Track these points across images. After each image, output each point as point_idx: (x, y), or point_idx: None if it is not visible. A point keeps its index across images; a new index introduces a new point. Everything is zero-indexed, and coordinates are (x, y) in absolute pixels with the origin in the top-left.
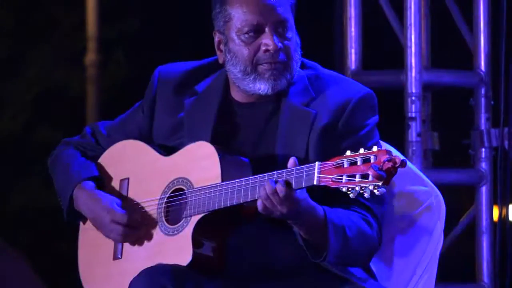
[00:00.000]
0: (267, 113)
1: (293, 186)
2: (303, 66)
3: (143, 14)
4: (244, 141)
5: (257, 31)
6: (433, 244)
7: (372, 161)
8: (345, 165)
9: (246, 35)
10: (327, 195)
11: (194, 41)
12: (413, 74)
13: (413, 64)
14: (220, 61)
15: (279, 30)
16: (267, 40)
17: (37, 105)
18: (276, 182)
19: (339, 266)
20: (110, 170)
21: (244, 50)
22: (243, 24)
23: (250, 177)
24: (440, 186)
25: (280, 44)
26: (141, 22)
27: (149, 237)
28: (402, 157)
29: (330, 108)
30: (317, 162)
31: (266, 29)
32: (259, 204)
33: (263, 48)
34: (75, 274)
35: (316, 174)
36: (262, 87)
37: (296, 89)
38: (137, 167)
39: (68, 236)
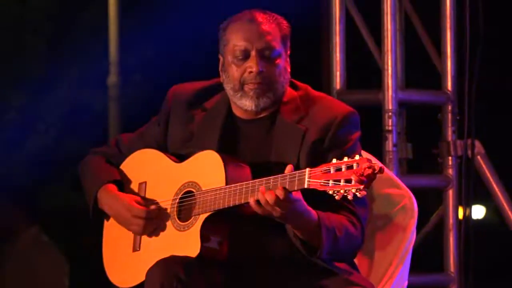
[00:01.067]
0: (264, 128)
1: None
2: (295, 87)
3: (158, 43)
4: (245, 152)
5: (245, 55)
6: (407, 239)
7: (354, 167)
8: (332, 171)
9: (236, 58)
10: (319, 202)
11: (205, 64)
12: (390, 93)
13: (390, 85)
14: (221, 80)
15: (265, 55)
16: (251, 63)
17: (66, 120)
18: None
19: (329, 261)
20: (130, 175)
21: (234, 71)
22: (235, 49)
23: (250, 181)
24: (413, 190)
25: (262, 68)
26: (156, 49)
27: (164, 232)
28: (380, 164)
29: (318, 125)
30: (307, 169)
31: (252, 54)
32: (260, 210)
33: (248, 70)
34: (100, 264)
35: (306, 179)
36: (247, 104)
37: (289, 108)
38: (153, 172)
39: (93, 232)
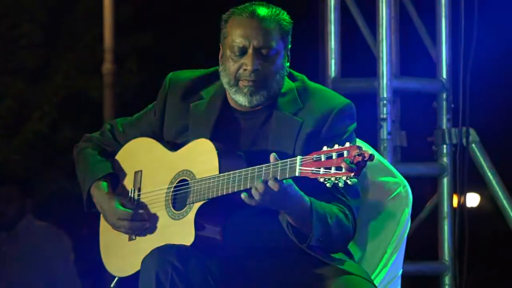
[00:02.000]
0: (261, 120)
1: (278, 177)
2: (293, 78)
3: (154, 29)
4: (240, 143)
5: (242, 51)
6: (402, 227)
7: (345, 155)
8: (322, 159)
9: (234, 54)
10: (311, 192)
11: (202, 52)
12: (385, 81)
13: (385, 73)
14: (219, 70)
15: (261, 53)
16: (247, 61)
17: (61, 107)
18: (266, 181)
19: (320, 250)
20: (126, 164)
21: (231, 66)
22: (233, 44)
23: (243, 169)
24: (407, 178)
25: (257, 66)
26: (151, 36)
27: (158, 221)
28: (370, 152)
29: (315, 117)
30: (298, 157)
31: (249, 51)
32: (253, 200)
33: (243, 66)
34: (95, 254)
35: (297, 167)
36: (241, 99)
37: (286, 100)
38: (149, 161)
39: (89, 221)
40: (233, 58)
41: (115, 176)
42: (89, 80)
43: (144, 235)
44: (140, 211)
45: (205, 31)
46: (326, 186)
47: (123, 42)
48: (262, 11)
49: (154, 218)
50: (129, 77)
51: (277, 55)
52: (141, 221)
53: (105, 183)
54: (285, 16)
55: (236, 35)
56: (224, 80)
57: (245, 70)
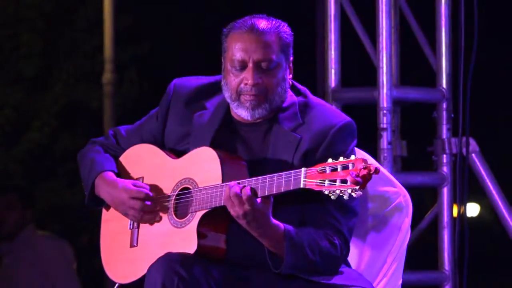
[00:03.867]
0: (261, 133)
1: (283, 189)
2: (296, 91)
3: (153, 40)
4: (241, 154)
5: (242, 66)
6: (402, 237)
7: (350, 168)
8: (327, 171)
9: (234, 68)
10: (305, 215)
11: (202, 62)
12: (385, 91)
13: (385, 82)
14: (222, 83)
15: (261, 67)
16: (247, 75)
17: (61, 117)
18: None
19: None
20: (127, 170)
21: (232, 80)
22: (233, 58)
23: (247, 179)
24: (408, 187)
25: (258, 80)
26: (151, 46)
27: (161, 229)
28: (376, 165)
29: (312, 134)
30: (303, 168)
31: (249, 65)
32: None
33: (244, 81)
34: (95, 261)
35: (302, 178)
36: (243, 113)
37: (287, 114)
38: (150, 167)
39: (88, 229)
40: (233, 72)
41: (119, 177)
42: (89, 90)
43: (146, 241)
44: (150, 190)
45: (205, 40)
46: (323, 215)
47: (123, 52)
48: (262, 24)
49: (156, 225)
50: (129, 86)
51: (277, 68)
52: (152, 205)
53: (112, 174)
54: (285, 28)
55: (235, 50)
56: (226, 94)
57: (246, 84)
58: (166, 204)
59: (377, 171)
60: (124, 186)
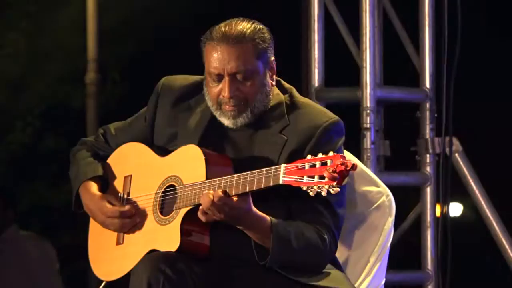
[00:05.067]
0: (248, 135)
1: (263, 185)
2: (283, 90)
3: (137, 39)
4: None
5: (219, 78)
6: (385, 237)
7: (328, 164)
8: (306, 167)
9: (212, 80)
10: (293, 211)
11: (186, 62)
12: (368, 91)
13: (368, 82)
14: (204, 91)
15: (237, 78)
16: (223, 88)
17: (44, 117)
18: (215, 193)
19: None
20: (116, 168)
21: (212, 91)
22: (210, 70)
23: (229, 176)
24: (391, 187)
25: (235, 92)
26: (134, 47)
27: (146, 226)
28: (353, 161)
29: (299, 135)
30: (282, 165)
31: (225, 77)
32: (200, 212)
33: (221, 93)
34: (78, 261)
35: (281, 175)
36: (226, 122)
37: (274, 115)
38: (138, 165)
39: (70, 229)
40: (212, 83)
41: (105, 179)
42: (72, 90)
43: (132, 239)
44: (127, 207)
45: (189, 41)
46: (311, 211)
47: (106, 52)
48: (235, 32)
49: (141, 223)
50: (112, 87)
51: (254, 76)
52: (130, 218)
53: (94, 184)
54: (261, 33)
55: (211, 62)
56: (209, 103)
57: (223, 96)
58: (151, 202)
59: (354, 167)
60: (100, 204)
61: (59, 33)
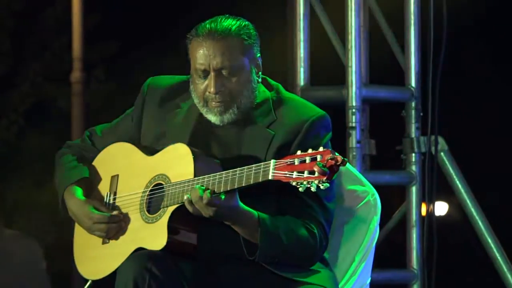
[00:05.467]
0: (235, 131)
1: (252, 181)
2: (268, 86)
3: (121, 38)
4: (214, 152)
5: (205, 74)
6: (370, 236)
7: (318, 159)
8: (296, 163)
9: (198, 76)
10: (283, 205)
11: (171, 61)
12: (354, 90)
13: (354, 81)
14: (190, 88)
15: (223, 74)
16: (209, 84)
17: (29, 116)
18: (203, 190)
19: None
20: (103, 168)
21: (198, 87)
22: (196, 67)
23: (217, 173)
24: (376, 186)
25: (220, 87)
26: (119, 44)
27: (133, 225)
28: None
29: (286, 130)
30: (272, 160)
31: (211, 73)
32: (187, 202)
33: (207, 89)
34: (62, 259)
35: (271, 171)
36: (213, 119)
37: (261, 111)
38: (126, 165)
39: (56, 228)
40: (198, 80)
41: (90, 181)
42: (57, 89)
43: (118, 238)
44: (115, 212)
45: (174, 40)
46: (300, 206)
47: (91, 51)
48: (220, 28)
49: (128, 222)
50: (97, 85)
51: (240, 72)
52: (117, 223)
53: (78, 188)
54: (246, 29)
55: (197, 59)
56: (195, 100)
57: (209, 92)
58: (138, 200)
59: (344, 162)
60: (86, 211)
61: (44, 31)
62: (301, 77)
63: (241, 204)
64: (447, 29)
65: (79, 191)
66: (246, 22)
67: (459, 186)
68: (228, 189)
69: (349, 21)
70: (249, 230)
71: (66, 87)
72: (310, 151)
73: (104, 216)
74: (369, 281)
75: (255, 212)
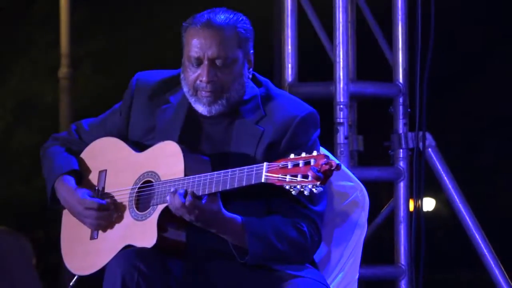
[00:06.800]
0: (224, 126)
1: (244, 183)
2: (257, 82)
3: (108, 33)
4: (203, 148)
5: (198, 62)
6: (358, 232)
7: (312, 163)
8: (289, 166)
9: (191, 64)
10: (273, 204)
11: (160, 56)
12: (341, 86)
13: (341, 77)
14: (181, 77)
15: (216, 64)
16: (202, 72)
17: (16, 112)
18: (185, 194)
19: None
20: (90, 163)
21: (189, 76)
22: (189, 55)
23: (208, 174)
24: (364, 182)
25: (213, 77)
26: (106, 40)
27: (121, 221)
28: (337, 162)
29: (275, 126)
30: (265, 163)
31: (204, 62)
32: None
33: (199, 78)
34: (51, 255)
35: (264, 173)
36: (201, 109)
37: (249, 107)
38: (113, 160)
39: (44, 224)
40: (190, 68)
41: (80, 174)
42: (44, 85)
43: (106, 233)
44: (105, 200)
45: (162, 35)
46: (289, 202)
47: (78, 46)
48: (219, 19)
49: (117, 217)
50: (85, 81)
51: (234, 64)
52: (108, 212)
53: (71, 178)
54: (243, 23)
55: (192, 46)
56: (185, 88)
57: (201, 81)
58: (127, 197)
59: (338, 167)
60: (79, 197)
61: (32, 27)
62: (289, 73)
63: (224, 210)
64: (434, 24)
65: (72, 180)
66: (244, 17)
67: (447, 181)
68: (220, 190)
69: (337, 17)
70: (236, 236)
71: (54, 83)
72: (303, 154)
73: (95, 202)
74: (357, 276)
75: (238, 217)
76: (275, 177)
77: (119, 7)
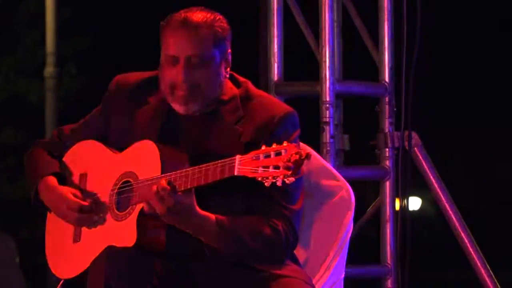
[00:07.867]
0: (203, 126)
1: (218, 177)
2: (237, 84)
3: (94, 32)
4: (182, 147)
5: (174, 61)
6: (344, 231)
7: (282, 154)
8: (261, 158)
9: (168, 63)
10: (248, 202)
11: (143, 55)
12: (327, 85)
13: (327, 77)
14: (159, 76)
15: (192, 63)
16: (177, 71)
17: (1, 111)
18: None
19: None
20: (72, 166)
21: (166, 74)
22: (166, 53)
23: (184, 170)
24: (350, 181)
25: (189, 76)
26: (91, 39)
27: (102, 223)
28: (307, 151)
29: (254, 126)
30: (237, 156)
31: (180, 61)
32: (145, 205)
33: (176, 76)
34: (37, 256)
35: (236, 166)
36: (177, 107)
37: (228, 107)
38: (94, 163)
39: (29, 224)
40: (167, 67)
41: (62, 177)
42: (30, 84)
43: (91, 229)
44: (87, 201)
45: (146, 33)
46: (265, 200)
47: (63, 45)
48: (195, 18)
49: (98, 220)
50: (70, 80)
51: (210, 63)
52: (89, 213)
53: (54, 179)
54: (221, 22)
55: (168, 45)
56: (162, 87)
57: (177, 80)
58: (108, 198)
59: (308, 156)
60: (63, 196)
61: (17, 26)
62: (275, 72)
63: (198, 208)
64: (421, 23)
65: (55, 181)
66: (221, 16)
67: (433, 181)
68: (195, 185)
69: (323, 16)
70: (208, 234)
71: (39, 82)
72: (274, 145)
73: (78, 203)
74: (343, 276)
75: (212, 215)
76: (248, 169)
77: (104, 5)
